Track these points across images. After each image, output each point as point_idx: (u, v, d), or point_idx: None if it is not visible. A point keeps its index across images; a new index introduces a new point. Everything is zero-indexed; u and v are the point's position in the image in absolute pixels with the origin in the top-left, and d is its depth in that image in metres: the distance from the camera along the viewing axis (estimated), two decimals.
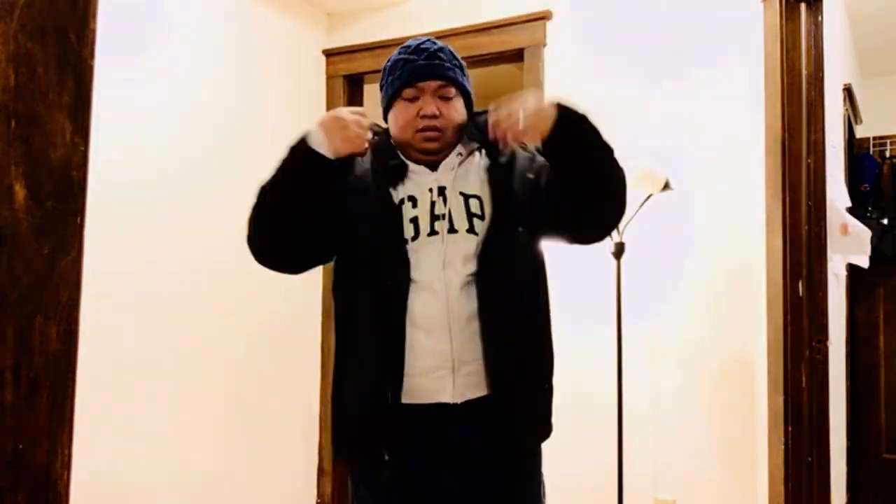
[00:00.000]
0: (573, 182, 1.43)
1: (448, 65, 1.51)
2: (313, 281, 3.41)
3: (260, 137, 3.16)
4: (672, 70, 2.83)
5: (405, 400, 1.44)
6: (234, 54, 3.10)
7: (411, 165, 1.53)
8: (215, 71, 3.01)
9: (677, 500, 2.71)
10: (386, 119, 1.58)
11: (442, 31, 3.26)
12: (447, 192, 1.49)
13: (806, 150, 2.29)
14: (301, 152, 1.42)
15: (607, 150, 1.44)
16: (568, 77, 3.02)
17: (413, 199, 1.48)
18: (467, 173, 1.53)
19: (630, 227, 2.65)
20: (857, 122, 4.15)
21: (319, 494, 3.41)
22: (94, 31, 0.72)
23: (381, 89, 1.60)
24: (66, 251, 0.69)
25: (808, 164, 2.29)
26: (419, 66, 1.49)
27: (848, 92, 3.69)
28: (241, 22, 3.13)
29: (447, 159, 1.53)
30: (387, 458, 1.43)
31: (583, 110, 1.41)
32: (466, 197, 1.49)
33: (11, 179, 0.64)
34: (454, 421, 1.45)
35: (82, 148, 0.70)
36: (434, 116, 1.48)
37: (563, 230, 1.56)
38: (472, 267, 1.45)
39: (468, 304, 1.43)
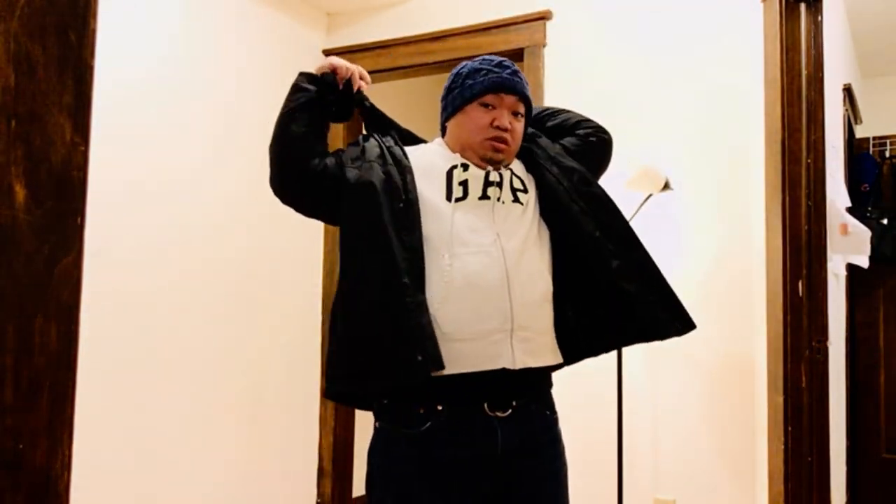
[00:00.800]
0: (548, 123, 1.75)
1: (526, 85, 1.62)
2: (313, 282, 3.41)
3: (259, 138, 3.16)
4: (672, 69, 2.83)
5: (448, 370, 1.39)
6: (234, 54, 3.10)
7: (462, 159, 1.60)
8: (215, 71, 3.01)
9: (677, 500, 2.71)
10: (444, 127, 1.64)
11: (442, 31, 3.27)
12: (501, 170, 1.58)
13: (806, 150, 2.29)
14: (301, 78, 1.67)
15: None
16: (568, 77, 3.02)
17: (465, 166, 1.55)
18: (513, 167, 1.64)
19: None
20: (857, 122, 4.15)
21: (319, 494, 3.41)
22: (94, 31, 0.72)
23: (446, 95, 1.63)
24: (66, 251, 0.69)
25: (808, 164, 2.29)
26: (504, 78, 1.57)
27: (848, 92, 3.69)
28: (240, 22, 3.14)
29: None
30: (421, 358, 1.36)
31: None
32: (512, 173, 1.58)
33: (11, 179, 0.64)
34: (502, 402, 1.44)
35: (82, 148, 0.70)
36: (506, 129, 1.55)
37: (582, 150, 1.71)
38: (530, 232, 1.52)
39: (527, 266, 1.48)
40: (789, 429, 2.22)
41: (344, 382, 1.49)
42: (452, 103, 1.61)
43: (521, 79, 1.60)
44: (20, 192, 0.65)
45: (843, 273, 3.55)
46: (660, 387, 2.76)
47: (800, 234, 2.27)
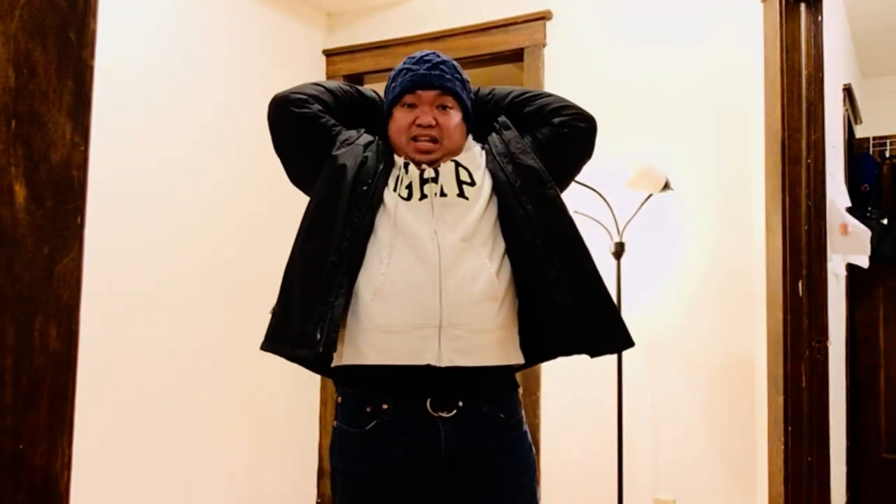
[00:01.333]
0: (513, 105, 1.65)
1: (448, 76, 1.57)
2: None
3: (259, 137, 3.16)
4: (672, 69, 2.84)
5: (377, 361, 1.41)
6: (234, 54, 3.10)
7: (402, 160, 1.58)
8: (214, 71, 3.01)
9: (677, 500, 2.71)
10: (387, 128, 1.63)
11: (442, 31, 3.27)
12: (438, 165, 1.54)
13: (806, 150, 2.29)
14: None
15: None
16: (567, 77, 3.02)
17: (407, 167, 1.54)
18: (460, 158, 1.59)
19: (630, 227, 2.65)
20: (857, 122, 4.15)
21: (319, 494, 3.41)
22: (94, 31, 0.72)
23: (385, 98, 1.66)
24: (66, 251, 0.69)
25: (808, 164, 2.29)
26: (420, 74, 1.55)
27: (848, 92, 3.69)
28: (240, 22, 3.13)
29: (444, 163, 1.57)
30: (319, 336, 1.39)
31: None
32: (457, 164, 1.54)
33: (11, 179, 0.64)
34: (437, 395, 1.43)
35: (82, 148, 0.70)
36: (430, 126, 1.53)
37: (550, 144, 1.61)
38: (470, 230, 1.47)
39: (464, 264, 1.44)
40: (789, 429, 2.22)
41: (267, 341, 1.52)
42: (385, 109, 1.62)
43: (444, 71, 1.56)
44: (20, 192, 0.65)
45: (843, 273, 3.55)
46: (660, 387, 2.76)
47: (800, 234, 2.27)
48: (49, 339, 0.67)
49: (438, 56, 1.59)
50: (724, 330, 2.69)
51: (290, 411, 3.31)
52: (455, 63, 1.62)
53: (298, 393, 3.36)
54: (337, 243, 1.44)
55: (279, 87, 1.63)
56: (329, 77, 3.52)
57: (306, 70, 3.45)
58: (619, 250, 2.65)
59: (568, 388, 2.84)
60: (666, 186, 2.60)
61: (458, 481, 1.44)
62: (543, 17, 3.06)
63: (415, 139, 1.54)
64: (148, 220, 2.69)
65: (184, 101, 2.86)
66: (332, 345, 1.40)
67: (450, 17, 3.26)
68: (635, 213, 2.64)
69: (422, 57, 1.58)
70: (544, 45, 3.07)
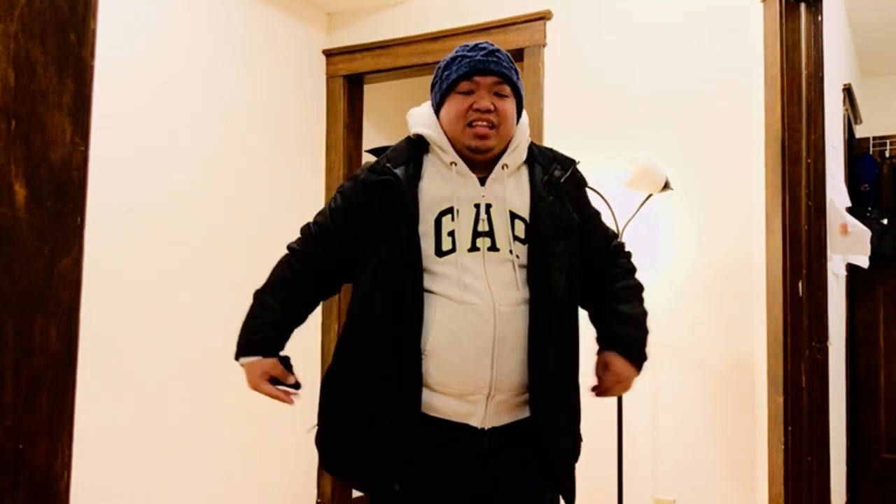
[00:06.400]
0: None
1: (505, 63, 1.53)
2: None
3: (259, 137, 3.16)
4: (672, 69, 2.83)
5: (424, 411, 1.44)
6: (234, 54, 3.10)
7: (461, 167, 1.51)
8: (215, 71, 3.00)
9: (677, 500, 2.71)
10: (438, 117, 1.56)
11: (442, 31, 3.27)
12: (492, 210, 1.48)
13: (806, 150, 2.29)
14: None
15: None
16: (568, 77, 3.02)
17: (452, 211, 1.47)
18: (517, 190, 1.53)
19: (630, 227, 2.65)
20: (856, 122, 4.15)
21: (319, 494, 3.41)
22: (94, 31, 0.72)
23: (432, 89, 1.58)
24: (66, 251, 0.69)
25: (808, 164, 2.29)
26: (478, 60, 1.50)
27: (848, 92, 3.69)
28: (241, 22, 3.13)
29: (494, 173, 1.51)
30: (397, 488, 1.42)
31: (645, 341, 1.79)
32: (514, 217, 1.49)
33: (11, 179, 0.64)
34: (478, 437, 1.47)
35: (82, 148, 0.70)
36: (488, 111, 1.48)
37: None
38: (519, 293, 1.45)
39: (514, 330, 1.43)
40: (789, 429, 2.22)
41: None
42: (435, 98, 1.56)
43: (500, 58, 1.51)
44: (20, 192, 0.65)
45: (843, 273, 3.55)
46: (660, 386, 2.76)
47: (800, 234, 2.27)
48: (49, 339, 0.67)
49: (492, 45, 1.54)
50: (724, 330, 2.68)
51: (290, 410, 3.30)
52: (508, 53, 1.56)
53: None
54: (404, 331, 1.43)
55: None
56: (329, 77, 3.52)
57: (306, 70, 3.45)
58: None
59: None
60: (666, 186, 2.59)
61: (494, 473, 1.48)
62: (543, 17, 3.06)
63: (471, 125, 1.48)
64: (148, 220, 2.69)
65: (182, 99, 2.86)
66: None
67: (450, 17, 3.26)
68: (635, 213, 2.64)
69: (476, 45, 1.53)
70: (544, 45, 3.06)
